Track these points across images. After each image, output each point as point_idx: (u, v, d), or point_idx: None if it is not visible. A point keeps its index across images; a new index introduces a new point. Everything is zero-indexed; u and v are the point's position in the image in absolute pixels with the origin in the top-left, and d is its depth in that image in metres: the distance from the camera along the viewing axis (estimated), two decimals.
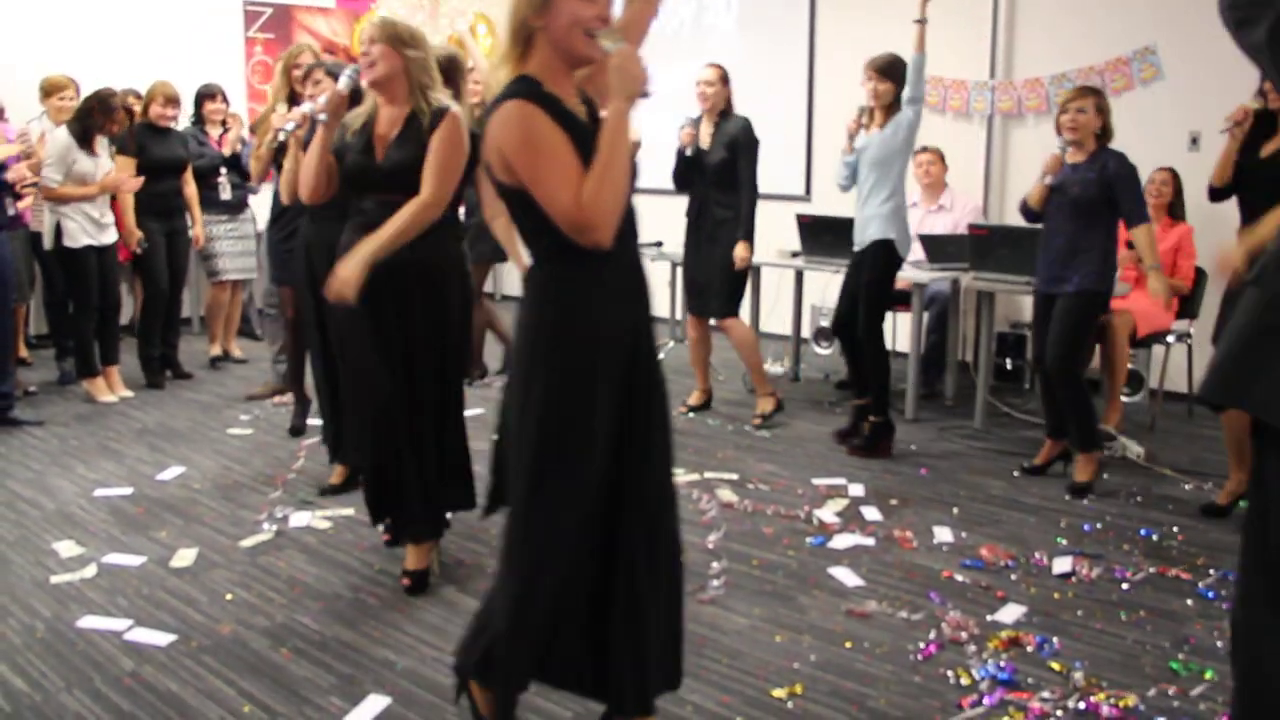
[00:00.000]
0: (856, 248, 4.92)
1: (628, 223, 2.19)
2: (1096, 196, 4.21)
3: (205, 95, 6.45)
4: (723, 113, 5.30)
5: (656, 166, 5.45)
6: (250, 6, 8.19)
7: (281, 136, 3.92)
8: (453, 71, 3.75)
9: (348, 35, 8.59)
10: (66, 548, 3.79)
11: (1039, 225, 4.51)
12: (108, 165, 5.68)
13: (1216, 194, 4.21)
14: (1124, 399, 5.44)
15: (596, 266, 2.16)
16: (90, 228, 5.65)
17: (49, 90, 6.01)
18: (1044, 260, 4.42)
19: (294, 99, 4.50)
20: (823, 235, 5.79)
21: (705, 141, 5.28)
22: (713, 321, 5.53)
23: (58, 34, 7.08)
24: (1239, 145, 4.13)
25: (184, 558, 3.70)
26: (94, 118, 5.53)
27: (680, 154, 5.32)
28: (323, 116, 3.23)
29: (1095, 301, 4.35)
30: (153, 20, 7.41)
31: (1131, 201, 4.22)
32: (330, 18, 8.66)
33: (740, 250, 5.21)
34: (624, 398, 2.23)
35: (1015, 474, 4.64)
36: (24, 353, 6.54)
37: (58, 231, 5.58)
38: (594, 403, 2.19)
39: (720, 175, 5.23)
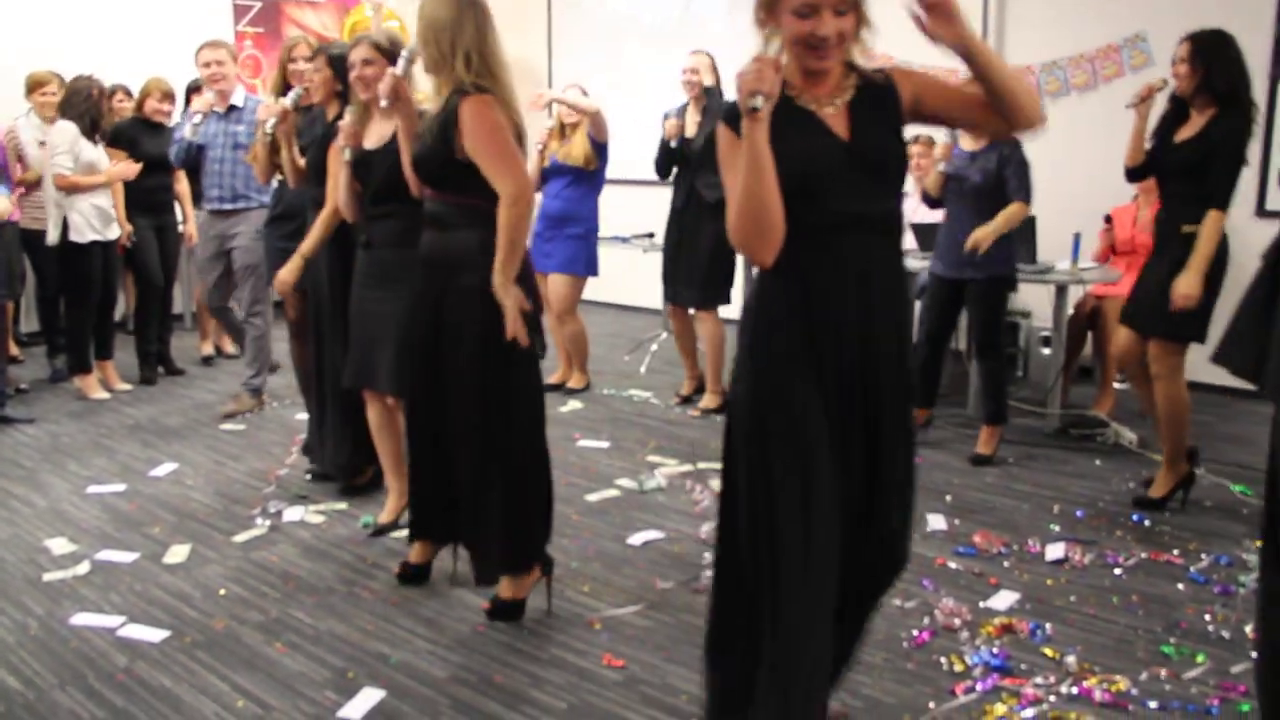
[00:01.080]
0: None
1: None
2: (996, 185, 4.43)
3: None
4: (707, 92, 5.28)
5: (648, 157, 5.46)
6: (239, 1, 8.17)
7: (268, 129, 3.92)
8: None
9: (337, 29, 8.57)
10: (59, 545, 3.78)
11: (939, 210, 4.74)
12: (106, 157, 5.68)
13: (1132, 174, 4.21)
14: (1116, 385, 5.45)
15: None
16: (97, 222, 5.65)
17: (32, 86, 5.99)
18: (947, 246, 4.62)
19: (287, 93, 4.45)
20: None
21: (691, 130, 5.26)
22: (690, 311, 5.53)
23: (45, 30, 7.06)
24: (1145, 124, 4.10)
25: (177, 553, 3.69)
26: (98, 106, 5.59)
27: (664, 144, 5.31)
28: (384, 102, 3.08)
29: (1007, 283, 4.63)
30: (141, 15, 7.39)
31: (1019, 179, 4.43)
32: (320, 11, 8.63)
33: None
34: None
35: (1010, 460, 4.65)
36: (14, 350, 6.52)
37: (64, 226, 5.57)
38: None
39: (706, 164, 5.21)
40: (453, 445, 3.13)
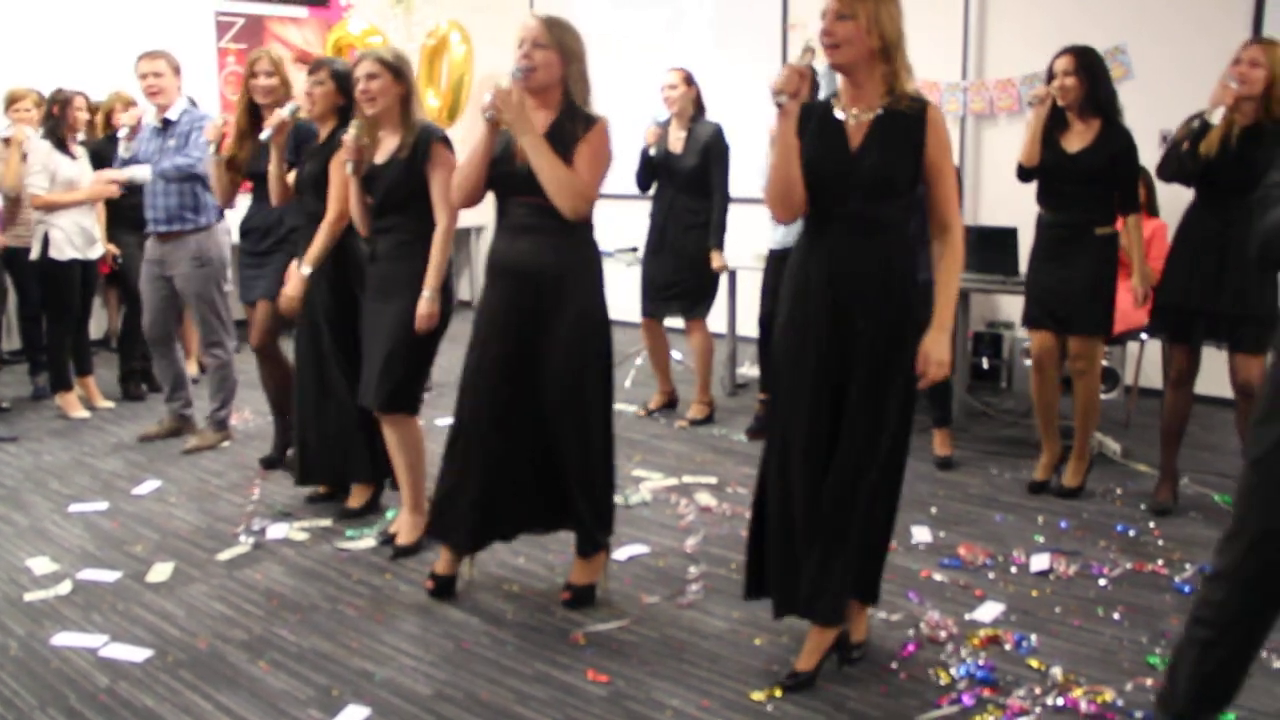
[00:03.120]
0: None
1: None
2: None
3: (102, 108, 6.39)
4: (694, 117, 5.31)
5: (631, 170, 5.46)
6: (222, 17, 8.16)
7: (263, 138, 3.91)
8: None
9: (320, 45, 8.56)
10: (41, 564, 3.75)
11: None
12: (89, 170, 5.65)
13: (1025, 175, 4.32)
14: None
15: None
16: (78, 240, 5.61)
17: (8, 102, 5.97)
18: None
19: (253, 108, 4.41)
20: None
21: (677, 146, 5.27)
22: (676, 324, 5.54)
23: (29, 46, 7.03)
24: (1041, 127, 4.23)
25: (160, 572, 3.67)
26: (58, 119, 5.53)
27: (644, 154, 5.32)
28: (489, 114, 3.07)
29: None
30: (124, 31, 7.35)
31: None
32: (303, 27, 8.63)
33: (716, 258, 5.24)
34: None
35: (994, 471, 4.66)
36: None
37: (45, 243, 5.54)
38: None
39: (691, 181, 5.24)
40: (552, 431, 3.20)
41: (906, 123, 2.63)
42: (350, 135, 3.60)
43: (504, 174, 3.16)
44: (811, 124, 2.69)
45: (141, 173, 4.82)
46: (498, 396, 3.21)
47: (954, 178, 2.73)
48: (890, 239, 2.69)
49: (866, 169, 2.62)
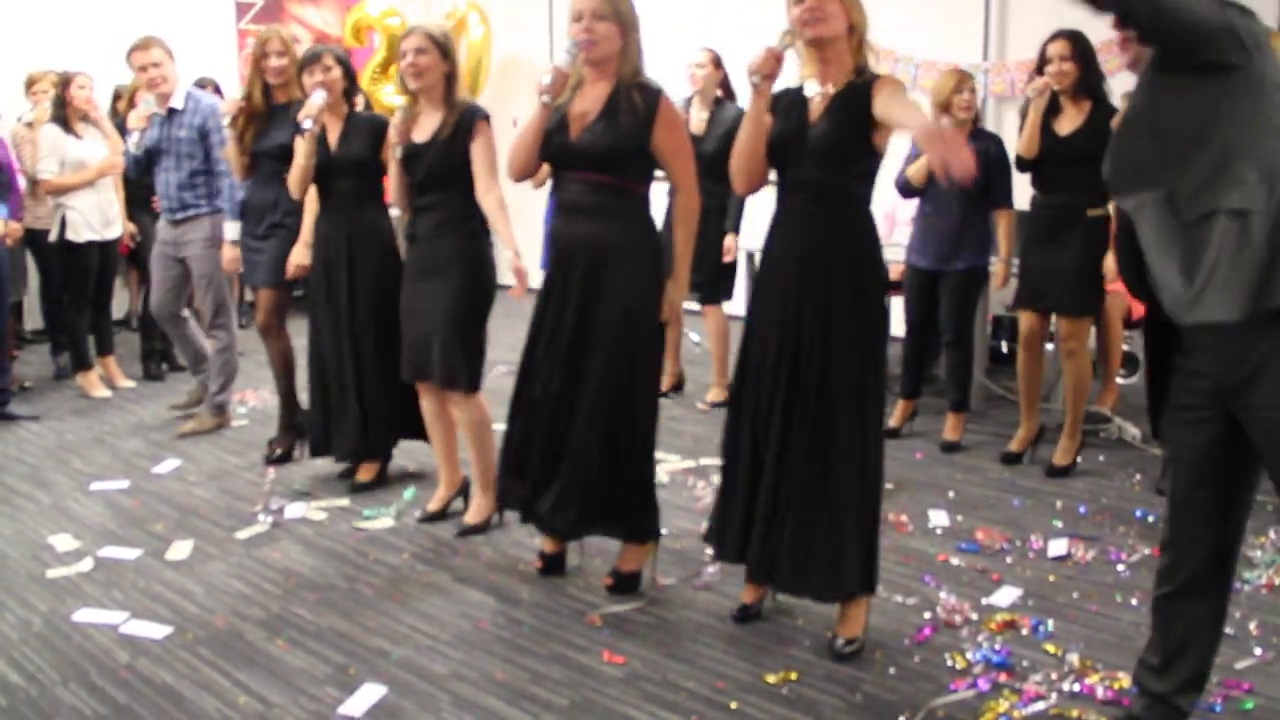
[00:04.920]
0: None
1: None
2: (980, 180, 4.32)
3: (198, 87, 6.42)
4: (718, 100, 5.26)
5: None
6: None
7: (305, 127, 3.89)
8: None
9: (339, 25, 8.56)
10: (63, 541, 3.79)
11: (914, 199, 4.82)
12: (100, 151, 5.67)
13: (1025, 165, 4.39)
14: (1119, 381, 5.43)
15: None
16: (95, 221, 5.64)
17: (29, 84, 6.00)
18: (930, 239, 4.72)
19: (266, 90, 4.42)
20: None
21: (698, 128, 5.21)
22: (697, 307, 5.54)
23: (49, 30, 7.06)
24: (1040, 118, 4.29)
25: (180, 550, 3.70)
26: (62, 99, 5.55)
27: None
28: (545, 98, 3.11)
29: (983, 275, 4.77)
30: (143, 13, 7.37)
31: (1004, 186, 4.61)
32: (321, 8, 8.63)
33: (730, 241, 5.24)
34: None
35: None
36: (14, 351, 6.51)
37: (62, 224, 5.57)
38: None
39: (713, 165, 5.18)
40: (595, 419, 3.16)
41: (860, 94, 2.76)
42: (397, 117, 3.66)
43: (558, 146, 3.17)
44: (783, 101, 2.90)
45: (231, 232, 4.77)
46: (553, 375, 3.20)
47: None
48: (844, 209, 2.83)
49: (816, 137, 2.79)
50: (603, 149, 3.10)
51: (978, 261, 4.67)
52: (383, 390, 4.08)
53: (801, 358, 2.82)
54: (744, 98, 5.44)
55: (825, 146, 2.78)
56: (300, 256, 4.27)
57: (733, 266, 5.38)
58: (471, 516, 3.85)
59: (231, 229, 4.72)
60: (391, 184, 3.76)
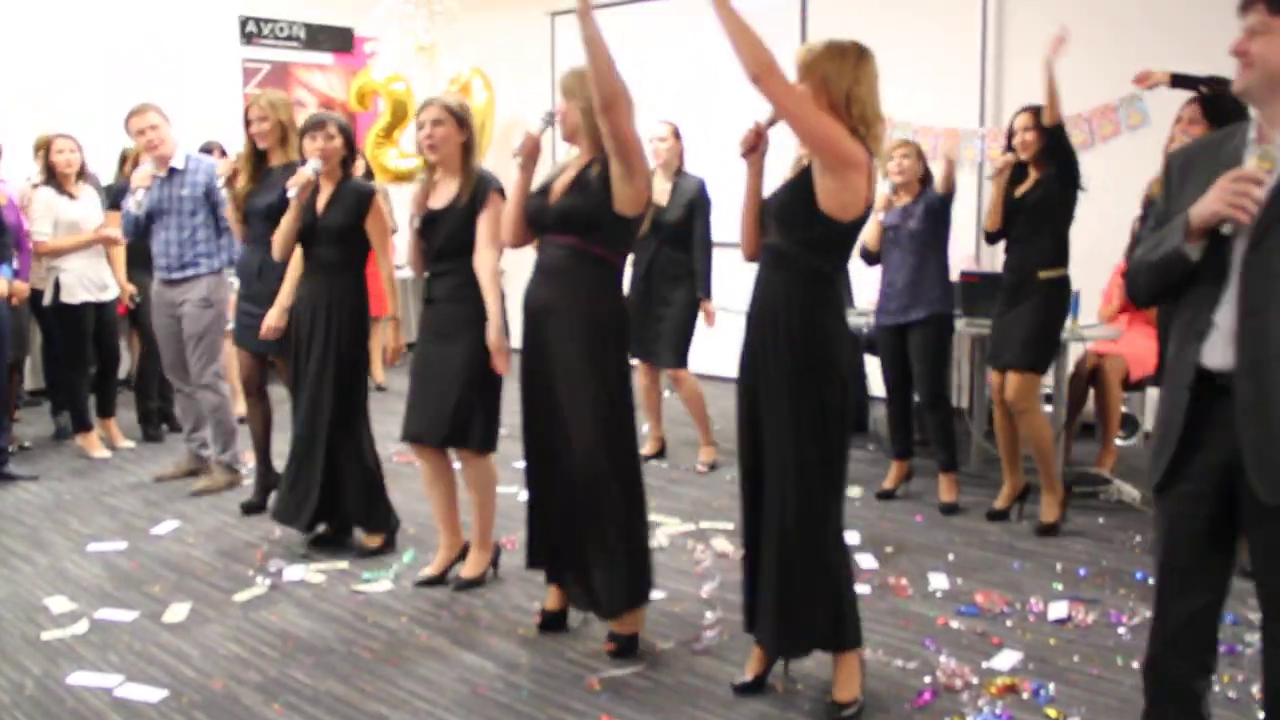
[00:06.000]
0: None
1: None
2: (929, 229, 4.70)
3: (204, 151, 6.51)
4: (678, 170, 5.35)
5: None
6: (249, 63, 8.31)
7: (290, 194, 4.01)
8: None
9: (344, 90, 8.70)
10: (58, 603, 3.77)
11: (877, 265, 4.94)
12: (96, 213, 5.73)
13: (992, 237, 4.60)
14: (1118, 443, 5.44)
15: None
16: (89, 283, 5.69)
17: (38, 147, 6.07)
18: (888, 294, 4.87)
19: (258, 153, 4.57)
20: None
21: (662, 198, 5.19)
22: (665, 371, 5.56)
23: (57, 91, 7.16)
24: (1001, 193, 4.52)
25: (177, 613, 3.68)
26: (49, 163, 5.62)
27: None
28: (518, 159, 3.30)
29: (947, 323, 4.85)
30: (151, 76, 7.49)
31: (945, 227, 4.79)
32: (328, 73, 8.77)
33: (707, 308, 5.34)
34: None
35: (1011, 518, 4.63)
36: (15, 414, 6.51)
37: (56, 287, 5.62)
38: None
39: (676, 233, 5.27)
40: (577, 482, 3.21)
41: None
42: (415, 186, 3.84)
43: (536, 208, 3.26)
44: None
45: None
46: (537, 441, 3.30)
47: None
48: (795, 275, 2.85)
49: (772, 203, 2.90)
50: (564, 213, 3.20)
51: (938, 309, 4.73)
52: (330, 461, 4.15)
53: (757, 423, 2.93)
54: (699, 168, 5.57)
55: (775, 212, 2.90)
56: (274, 319, 4.32)
57: (693, 329, 5.42)
58: (468, 570, 3.89)
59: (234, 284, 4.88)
60: (408, 248, 3.87)
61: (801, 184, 2.81)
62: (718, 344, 5.58)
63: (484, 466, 3.80)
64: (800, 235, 2.82)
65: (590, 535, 3.23)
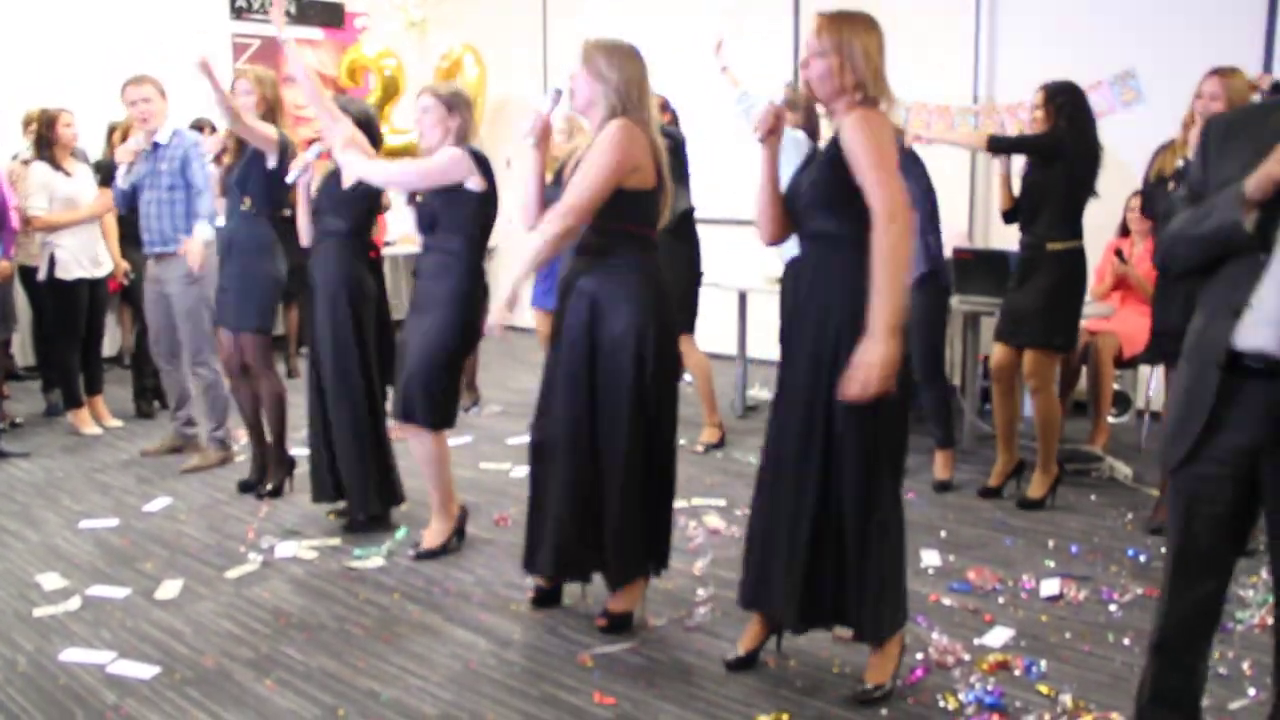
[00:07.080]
0: None
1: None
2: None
3: (195, 128, 6.46)
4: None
5: None
6: (239, 39, 8.24)
7: (290, 179, 4.08)
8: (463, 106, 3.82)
9: (335, 66, 8.63)
10: (50, 580, 3.76)
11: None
12: (90, 188, 5.69)
13: (1007, 217, 4.61)
14: (1110, 420, 5.45)
15: None
16: (84, 259, 5.67)
17: (25, 122, 6.03)
18: None
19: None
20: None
21: None
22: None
23: (45, 67, 7.10)
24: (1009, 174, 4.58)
25: (169, 589, 3.68)
26: (46, 139, 5.60)
27: None
28: (530, 140, 3.28)
29: (936, 293, 4.76)
30: (140, 52, 7.42)
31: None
32: (318, 49, 8.71)
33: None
34: None
35: (1004, 495, 4.64)
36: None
37: (51, 263, 5.59)
38: None
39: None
40: (609, 460, 3.19)
41: (837, 135, 2.75)
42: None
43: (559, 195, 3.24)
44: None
45: (203, 232, 4.92)
46: (568, 415, 3.21)
47: (874, 175, 2.65)
48: (838, 255, 2.77)
49: (805, 184, 2.83)
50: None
51: (919, 269, 4.55)
52: (330, 436, 4.19)
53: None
54: (695, 146, 5.55)
55: (810, 194, 2.81)
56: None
57: (697, 298, 5.37)
58: (429, 540, 3.94)
59: (202, 229, 4.94)
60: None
61: (834, 163, 2.72)
62: (710, 320, 5.62)
63: (430, 441, 3.80)
64: (851, 213, 2.71)
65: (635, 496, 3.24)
